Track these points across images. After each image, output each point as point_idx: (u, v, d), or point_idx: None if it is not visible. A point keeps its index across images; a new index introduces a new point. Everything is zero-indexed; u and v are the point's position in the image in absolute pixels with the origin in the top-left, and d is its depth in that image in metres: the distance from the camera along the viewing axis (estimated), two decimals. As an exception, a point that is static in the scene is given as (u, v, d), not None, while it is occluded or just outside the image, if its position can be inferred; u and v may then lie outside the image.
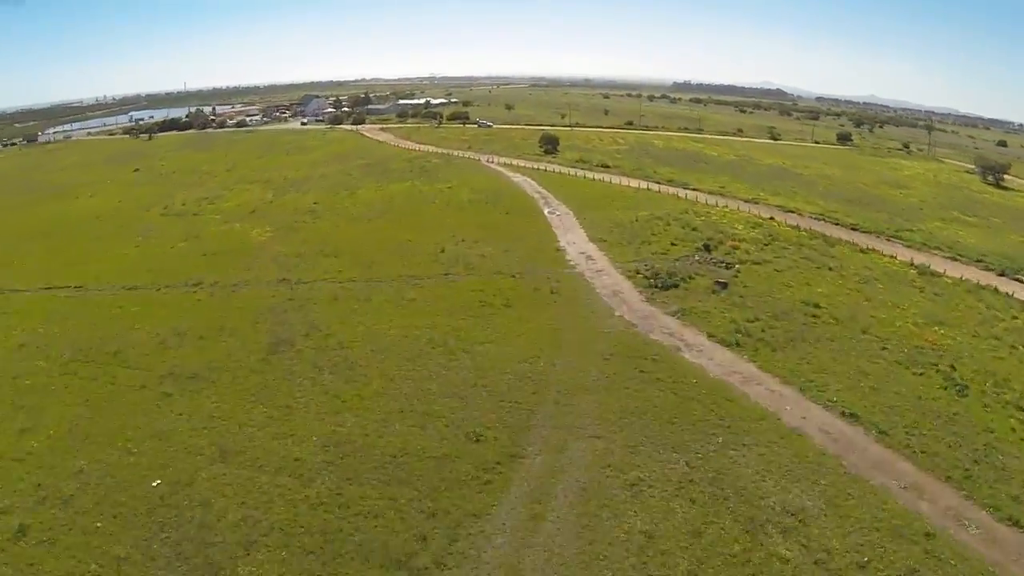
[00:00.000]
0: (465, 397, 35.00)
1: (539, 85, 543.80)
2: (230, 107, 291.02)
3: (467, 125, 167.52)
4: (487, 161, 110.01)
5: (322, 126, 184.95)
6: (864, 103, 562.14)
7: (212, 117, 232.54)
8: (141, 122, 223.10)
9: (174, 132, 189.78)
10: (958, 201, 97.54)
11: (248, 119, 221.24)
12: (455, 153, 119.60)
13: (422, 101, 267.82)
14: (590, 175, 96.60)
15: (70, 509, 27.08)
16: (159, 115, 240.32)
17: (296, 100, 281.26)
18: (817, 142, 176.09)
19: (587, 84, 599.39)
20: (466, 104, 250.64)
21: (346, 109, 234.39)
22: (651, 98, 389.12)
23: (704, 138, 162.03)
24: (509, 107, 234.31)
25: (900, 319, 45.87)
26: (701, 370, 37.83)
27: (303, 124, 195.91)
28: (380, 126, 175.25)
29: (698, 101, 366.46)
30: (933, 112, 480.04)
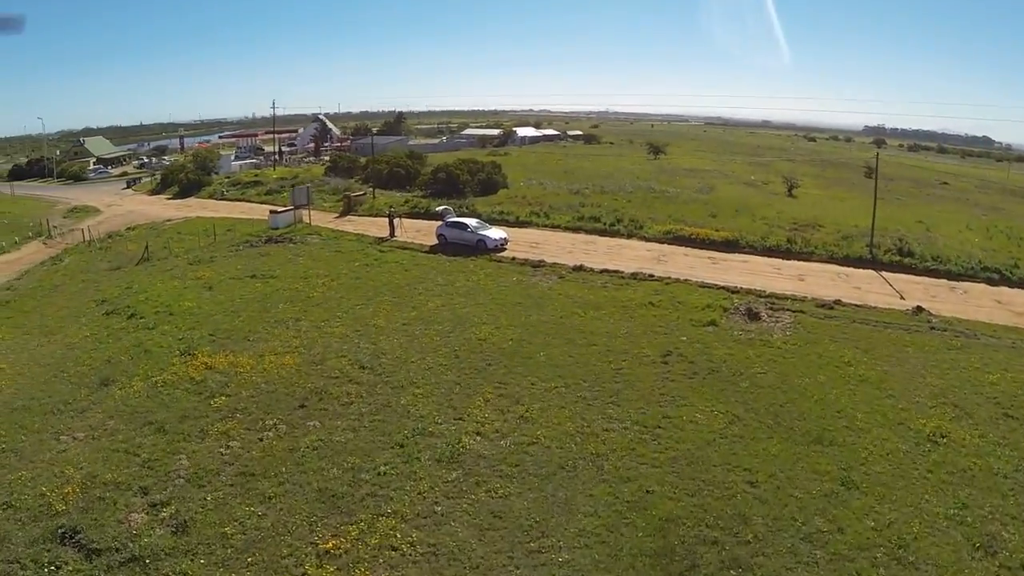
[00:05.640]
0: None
1: (714, 124, 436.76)
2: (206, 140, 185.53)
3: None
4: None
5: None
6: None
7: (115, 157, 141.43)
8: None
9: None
10: None
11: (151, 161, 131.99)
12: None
13: (494, 132, 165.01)
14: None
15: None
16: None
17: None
18: None
19: (767, 126, 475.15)
20: (589, 141, 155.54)
21: (338, 145, 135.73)
22: (903, 145, 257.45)
23: None
24: (656, 150, 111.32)
25: None
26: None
27: (128, 186, 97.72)
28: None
29: (942, 151, 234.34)
30: None
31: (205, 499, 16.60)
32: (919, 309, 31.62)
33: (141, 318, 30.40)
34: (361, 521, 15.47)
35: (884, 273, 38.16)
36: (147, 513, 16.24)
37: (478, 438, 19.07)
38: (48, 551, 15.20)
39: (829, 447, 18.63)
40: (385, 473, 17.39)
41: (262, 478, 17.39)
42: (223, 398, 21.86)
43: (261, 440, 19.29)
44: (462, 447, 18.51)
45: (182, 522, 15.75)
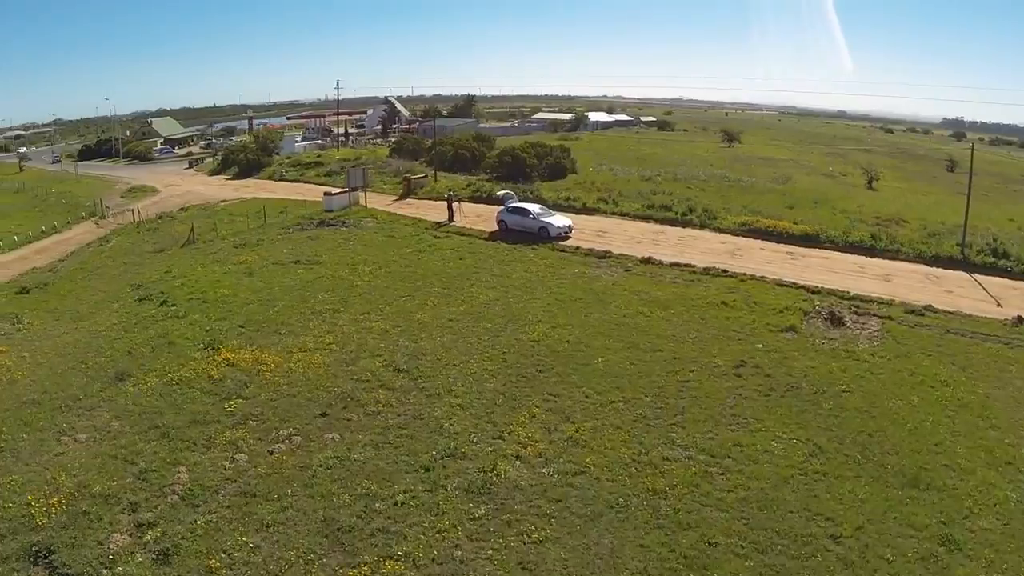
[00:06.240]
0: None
1: (789, 113, 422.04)
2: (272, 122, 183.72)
3: None
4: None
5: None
6: None
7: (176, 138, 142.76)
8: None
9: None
10: None
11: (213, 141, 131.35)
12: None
13: (566, 117, 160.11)
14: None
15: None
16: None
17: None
18: None
19: (842, 116, 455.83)
20: (662, 127, 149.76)
21: (406, 127, 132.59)
22: (983, 138, 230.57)
23: None
24: (730, 138, 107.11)
25: None
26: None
27: (189, 166, 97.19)
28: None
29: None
30: None
31: (196, 522, 14.51)
32: (1020, 319, 27.64)
33: (172, 305, 28.87)
34: (365, 564, 13.08)
35: (977, 276, 34.03)
36: (130, 535, 14.30)
37: (517, 463, 16.46)
38: (17, 572, 13.43)
39: (926, 492, 15.37)
40: (403, 504, 14.95)
41: (263, 500, 15.20)
42: (239, 401, 19.84)
43: (271, 453, 17.14)
44: (497, 474, 15.92)
45: (165, 549, 13.72)
